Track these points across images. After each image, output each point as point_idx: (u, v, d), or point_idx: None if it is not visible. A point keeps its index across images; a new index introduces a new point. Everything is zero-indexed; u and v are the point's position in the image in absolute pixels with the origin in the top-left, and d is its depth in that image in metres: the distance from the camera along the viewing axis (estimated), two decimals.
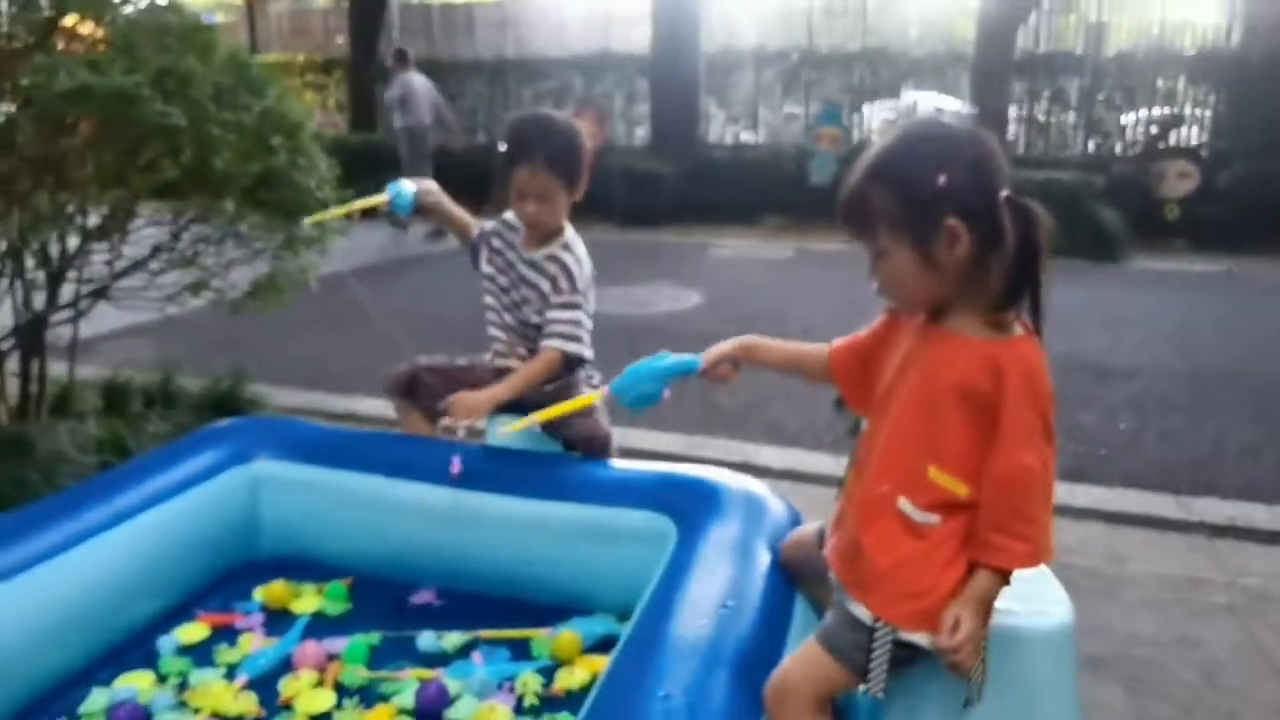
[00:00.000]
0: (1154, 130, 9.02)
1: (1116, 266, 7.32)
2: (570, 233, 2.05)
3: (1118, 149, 9.14)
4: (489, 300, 2.11)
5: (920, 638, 1.19)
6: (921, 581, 1.18)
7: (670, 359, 1.57)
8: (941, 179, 1.10)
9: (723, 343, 1.55)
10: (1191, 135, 9.03)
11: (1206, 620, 2.24)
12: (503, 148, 1.95)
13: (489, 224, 2.14)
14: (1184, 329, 5.26)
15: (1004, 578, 1.18)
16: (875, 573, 1.21)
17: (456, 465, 1.86)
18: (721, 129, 10.63)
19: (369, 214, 2.14)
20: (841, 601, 1.26)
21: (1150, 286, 6.57)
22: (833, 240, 8.40)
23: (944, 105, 9.24)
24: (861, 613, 1.22)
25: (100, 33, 2.37)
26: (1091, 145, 9.28)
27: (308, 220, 2.29)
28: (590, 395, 1.53)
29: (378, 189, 2.11)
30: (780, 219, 9.24)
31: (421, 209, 2.13)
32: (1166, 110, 9.11)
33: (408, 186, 2.08)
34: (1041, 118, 9.49)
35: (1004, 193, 1.11)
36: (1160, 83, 9.16)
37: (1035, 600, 1.32)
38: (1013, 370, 1.14)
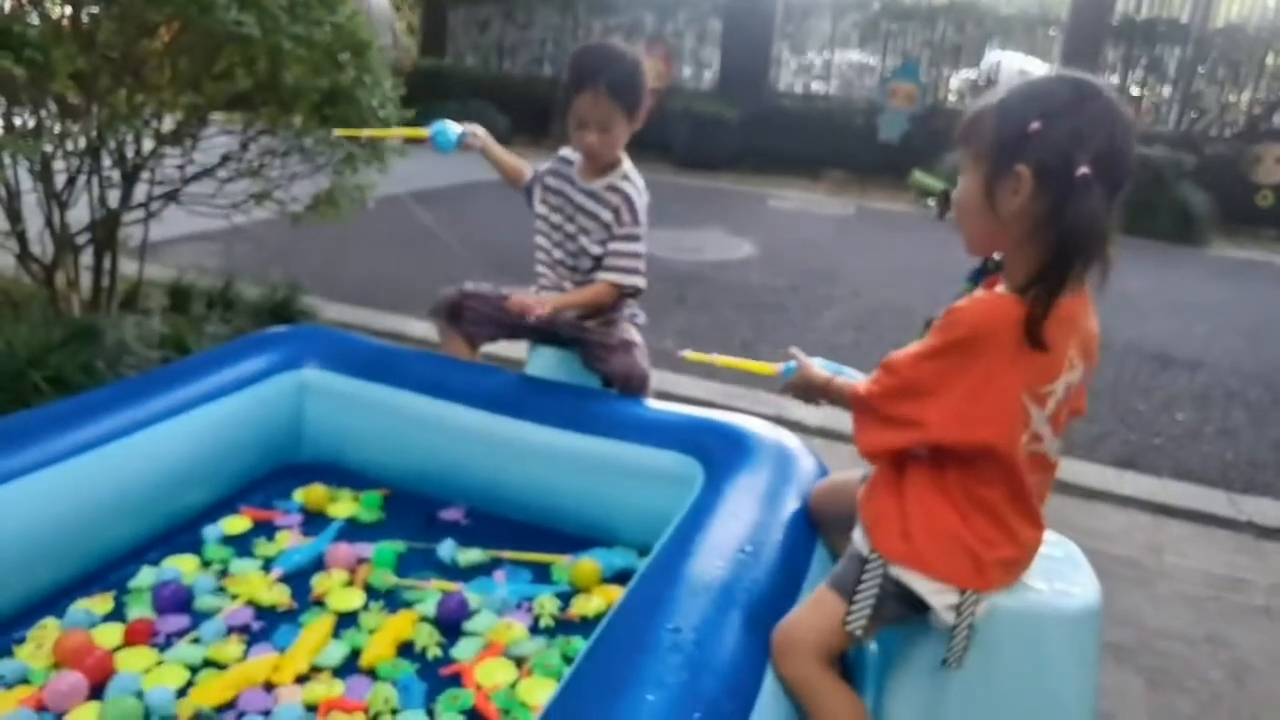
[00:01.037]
0: (1256, 110, 8.50)
1: (1197, 251, 7.01)
2: (628, 163, 2.04)
3: (1214, 128, 8.65)
4: (539, 240, 2.12)
5: (914, 580, 1.20)
6: (912, 522, 1.21)
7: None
8: (1035, 125, 1.09)
9: None
10: None
11: (1241, 621, 2.18)
12: (564, 78, 1.94)
13: (544, 165, 2.14)
14: (1260, 323, 5.03)
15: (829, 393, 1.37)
16: (878, 508, 1.25)
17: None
18: (792, 76, 10.33)
19: (411, 142, 2.14)
20: (854, 539, 1.29)
21: (1230, 275, 6.28)
22: (896, 200, 8.19)
23: (1029, 67, 8.83)
24: (864, 547, 1.25)
25: None
26: (1185, 121, 8.80)
27: (337, 132, 2.29)
28: (769, 367, 1.57)
29: (438, 114, 2.12)
30: (844, 174, 9.02)
31: (465, 149, 2.13)
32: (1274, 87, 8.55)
33: (453, 126, 2.09)
34: (1135, 88, 9.00)
35: (1082, 170, 1.06)
36: (1270, 60, 8.59)
37: (1061, 580, 1.30)
38: (955, 306, 1.16)
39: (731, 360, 1.65)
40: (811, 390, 1.43)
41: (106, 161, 2.69)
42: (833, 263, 5.65)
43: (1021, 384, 1.14)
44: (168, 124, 2.71)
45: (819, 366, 1.45)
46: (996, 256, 1.25)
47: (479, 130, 2.14)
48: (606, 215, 2.01)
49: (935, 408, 1.15)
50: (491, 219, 5.95)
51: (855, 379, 1.38)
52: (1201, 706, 1.86)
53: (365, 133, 2.41)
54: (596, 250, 2.03)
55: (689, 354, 1.72)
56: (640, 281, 2.03)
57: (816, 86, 10.23)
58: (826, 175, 9.06)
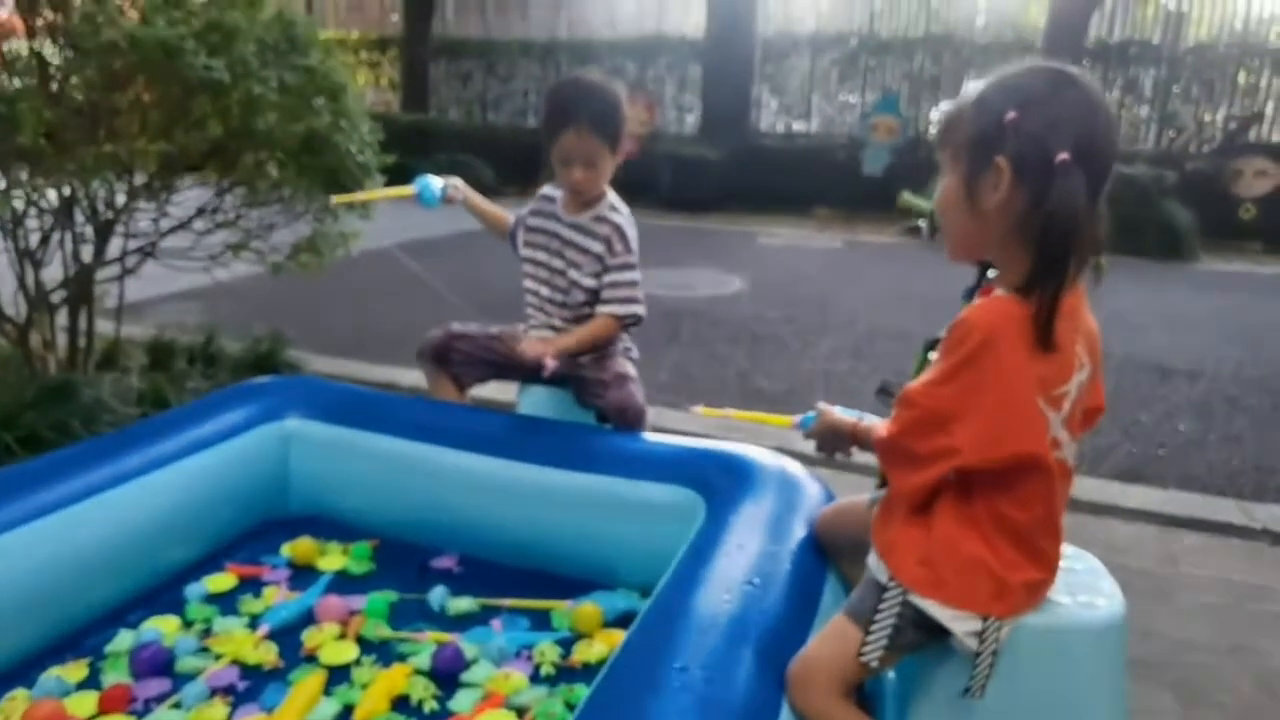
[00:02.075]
0: (1232, 126, 8.62)
1: (1185, 266, 7.04)
2: (613, 194, 2.03)
3: (1192, 145, 8.76)
4: (527, 283, 2.10)
5: (934, 608, 1.13)
6: (933, 547, 1.14)
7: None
8: (1011, 115, 1.06)
9: None
10: (1273, 133, 8.62)
11: (1266, 629, 2.11)
12: (543, 116, 1.93)
13: (524, 209, 2.13)
14: (1253, 332, 5.02)
15: (858, 438, 1.34)
16: (896, 534, 1.18)
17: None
18: (774, 117, 10.47)
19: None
20: (870, 566, 1.22)
21: (1219, 288, 6.29)
22: (884, 233, 8.23)
23: None
24: (882, 574, 1.18)
25: None
26: (1164, 140, 8.91)
27: (335, 200, 2.29)
28: (784, 419, 1.53)
29: (425, 168, 2.13)
30: (830, 210, 9.08)
31: (448, 202, 2.13)
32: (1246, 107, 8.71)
33: (435, 181, 2.10)
34: (1112, 109, 9.13)
35: (1062, 156, 1.03)
36: (1242, 77, 8.75)
37: (1085, 592, 1.24)
38: (959, 318, 1.11)
39: (746, 414, 1.63)
40: (838, 437, 1.38)
41: (79, 218, 2.65)
42: (825, 294, 5.64)
43: (1037, 388, 1.09)
44: (140, 177, 2.68)
45: (841, 413, 1.40)
46: (991, 275, 1.21)
47: (459, 183, 2.15)
48: (597, 247, 1.99)
49: (964, 431, 1.08)
50: (484, 267, 5.94)
51: (876, 424, 1.32)
52: (1235, 719, 1.78)
53: (359, 197, 2.40)
54: (589, 283, 2.00)
55: (702, 410, 1.68)
56: (640, 310, 2.01)
57: (798, 125, 10.36)
58: (813, 212, 9.12)
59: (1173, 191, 7.40)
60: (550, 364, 1.86)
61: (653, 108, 10.21)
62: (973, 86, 1.14)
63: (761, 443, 1.99)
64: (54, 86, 2.28)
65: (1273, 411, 3.71)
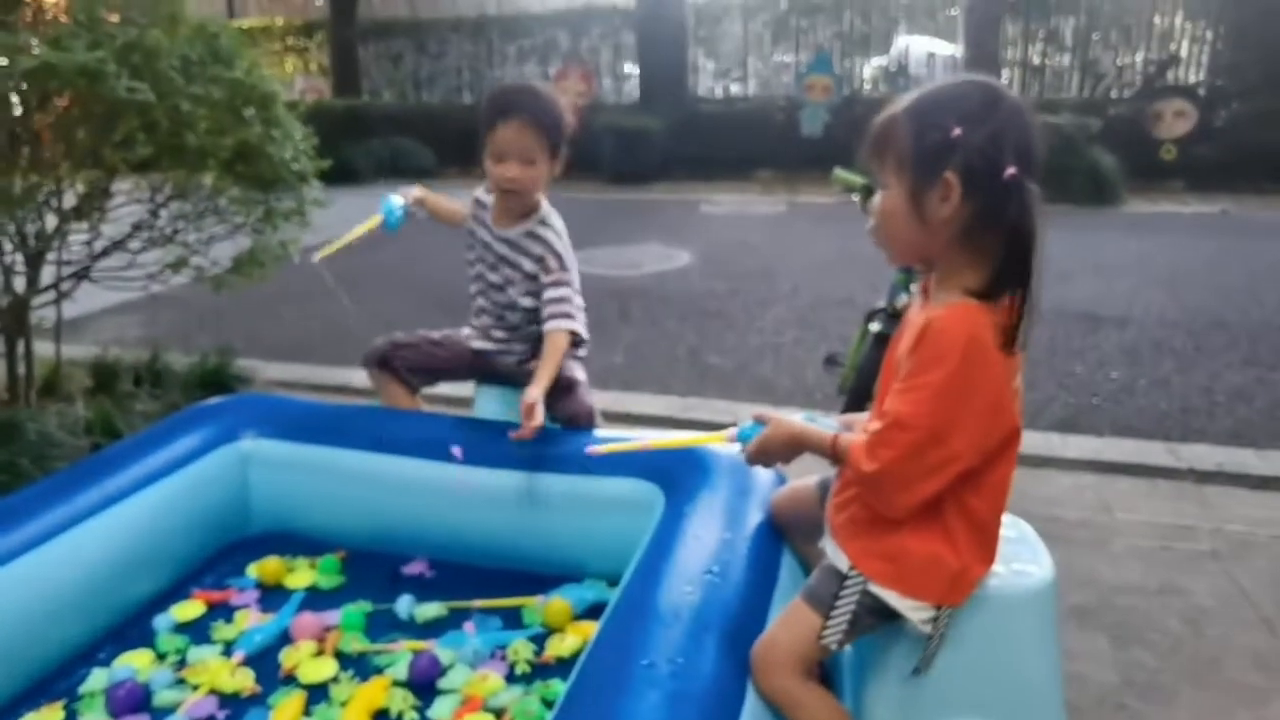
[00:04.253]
0: (1151, 70, 8.87)
1: (1112, 210, 7.27)
2: (546, 205, 1.99)
3: (1114, 90, 9.01)
4: (470, 286, 2.08)
5: (893, 599, 1.21)
6: (895, 543, 1.20)
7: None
8: (956, 131, 1.08)
9: None
10: (1189, 75, 8.90)
11: (1191, 568, 2.25)
12: (482, 114, 1.87)
13: (470, 202, 2.08)
14: (1177, 273, 5.24)
15: (836, 458, 1.23)
16: (859, 527, 1.24)
17: (459, 453, 1.88)
18: (711, 81, 10.47)
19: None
20: (828, 553, 1.28)
21: (1145, 230, 6.52)
22: (824, 193, 8.33)
23: (936, 50, 9.10)
24: (841, 562, 1.24)
25: (61, 3, 2.30)
26: (1087, 88, 9.15)
27: (318, 255, 2.13)
28: (717, 436, 1.43)
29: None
30: (771, 172, 9.15)
31: (411, 218, 2.06)
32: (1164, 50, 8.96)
33: (396, 201, 2.03)
34: (1036, 60, 9.33)
35: (1010, 170, 1.07)
36: (1157, 20, 9.00)
37: (1017, 561, 1.33)
38: (932, 326, 1.12)
39: (668, 440, 1.60)
40: (791, 444, 1.29)
41: (7, 246, 2.58)
42: (769, 262, 5.72)
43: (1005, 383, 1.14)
44: (69, 200, 2.61)
45: (799, 419, 1.36)
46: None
47: (418, 193, 2.07)
48: (528, 265, 1.96)
49: (961, 438, 1.11)
50: (426, 255, 5.87)
51: (829, 427, 1.30)
52: (1164, 657, 1.91)
53: (337, 245, 2.24)
54: (527, 303, 1.99)
55: (597, 449, 1.54)
56: (580, 328, 1.96)
57: (735, 89, 10.37)
58: (755, 176, 9.18)
59: (1097, 138, 7.61)
60: (534, 425, 1.78)
61: (589, 78, 10.11)
62: (900, 100, 1.17)
63: (715, 423, 2.05)
64: None
65: (1195, 353, 3.91)
